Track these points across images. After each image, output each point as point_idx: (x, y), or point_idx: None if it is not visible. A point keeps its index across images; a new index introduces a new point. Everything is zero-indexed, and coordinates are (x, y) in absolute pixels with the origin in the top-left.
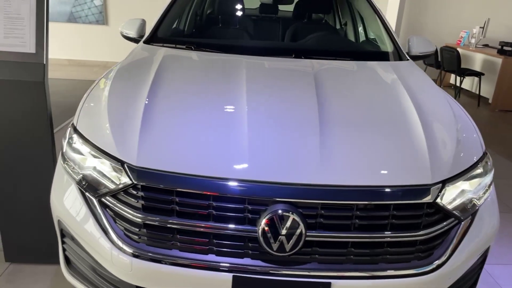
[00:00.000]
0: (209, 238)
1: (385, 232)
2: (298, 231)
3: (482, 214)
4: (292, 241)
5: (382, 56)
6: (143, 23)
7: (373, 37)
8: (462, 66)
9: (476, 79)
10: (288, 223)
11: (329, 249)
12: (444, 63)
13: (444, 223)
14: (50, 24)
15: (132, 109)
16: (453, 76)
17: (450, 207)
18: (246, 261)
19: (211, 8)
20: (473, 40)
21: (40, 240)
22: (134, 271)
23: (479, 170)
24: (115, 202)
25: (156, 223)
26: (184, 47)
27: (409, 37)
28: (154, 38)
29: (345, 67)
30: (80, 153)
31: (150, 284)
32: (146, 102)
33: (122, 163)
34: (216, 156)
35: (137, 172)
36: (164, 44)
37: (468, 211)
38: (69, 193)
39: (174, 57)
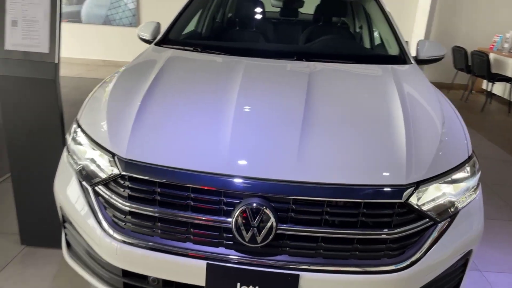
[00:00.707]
0: (187, 227)
1: (355, 229)
2: (269, 224)
3: (464, 217)
4: (263, 233)
5: (384, 60)
6: (158, 26)
7: (383, 41)
8: (495, 71)
9: (509, 85)
10: (260, 216)
11: (299, 243)
12: (474, 67)
13: (417, 223)
14: (87, 26)
15: (128, 107)
16: (485, 81)
17: (424, 208)
18: (221, 250)
19: (229, 12)
20: (506, 45)
21: (53, 226)
22: (119, 255)
23: (462, 173)
24: (106, 191)
25: (140, 211)
26: (191, 49)
27: (418, 41)
28: (165, 40)
29: (343, 69)
30: (81, 145)
31: (133, 268)
32: (142, 100)
33: (113, 155)
34: (197, 151)
35: (125, 163)
36: (174, 46)
37: (446, 213)
38: (69, 182)
39: (178, 58)
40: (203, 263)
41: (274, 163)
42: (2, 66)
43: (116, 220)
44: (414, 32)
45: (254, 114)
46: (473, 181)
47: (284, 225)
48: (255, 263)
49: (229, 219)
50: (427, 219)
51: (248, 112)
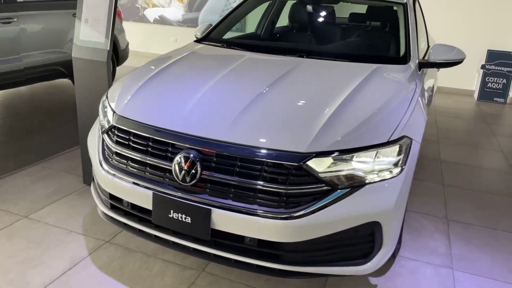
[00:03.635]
0: (145, 166)
1: (257, 181)
2: (196, 169)
3: (372, 190)
4: (190, 176)
5: (380, 59)
6: (208, 27)
7: (398, 43)
8: None
9: None
10: (190, 163)
11: (216, 186)
12: None
13: (314, 185)
14: None
15: (137, 81)
16: None
17: (322, 175)
18: (164, 185)
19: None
20: None
21: None
22: (106, 181)
23: (373, 152)
24: (106, 137)
25: (120, 152)
26: (219, 45)
27: (433, 45)
28: (205, 38)
29: (329, 64)
30: (104, 108)
31: (114, 192)
32: (150, 77)
33: (114, 112)
34: (163, 113)
35: (117, 117)
36: (207, 42)
37: (348, 183)
38: (94, 135)
39: (201, 50)
40: (151, 193)
41: (211, 125)
42: (77, 51)
43: (107, 157)
44: None
45: (222, 91)
46: (387, 162)
47: (207, 172)
48: (183, 197)
49: (171, 164)
50: (323, 184)
51: (219, 88)
